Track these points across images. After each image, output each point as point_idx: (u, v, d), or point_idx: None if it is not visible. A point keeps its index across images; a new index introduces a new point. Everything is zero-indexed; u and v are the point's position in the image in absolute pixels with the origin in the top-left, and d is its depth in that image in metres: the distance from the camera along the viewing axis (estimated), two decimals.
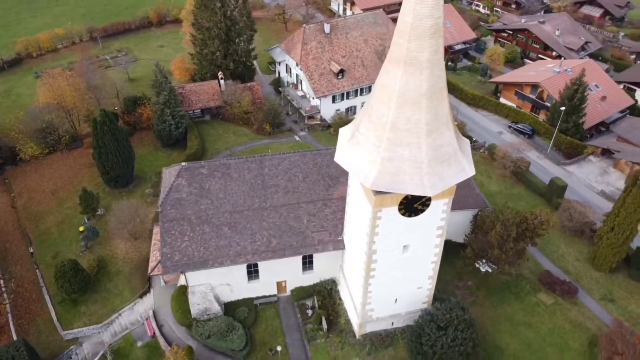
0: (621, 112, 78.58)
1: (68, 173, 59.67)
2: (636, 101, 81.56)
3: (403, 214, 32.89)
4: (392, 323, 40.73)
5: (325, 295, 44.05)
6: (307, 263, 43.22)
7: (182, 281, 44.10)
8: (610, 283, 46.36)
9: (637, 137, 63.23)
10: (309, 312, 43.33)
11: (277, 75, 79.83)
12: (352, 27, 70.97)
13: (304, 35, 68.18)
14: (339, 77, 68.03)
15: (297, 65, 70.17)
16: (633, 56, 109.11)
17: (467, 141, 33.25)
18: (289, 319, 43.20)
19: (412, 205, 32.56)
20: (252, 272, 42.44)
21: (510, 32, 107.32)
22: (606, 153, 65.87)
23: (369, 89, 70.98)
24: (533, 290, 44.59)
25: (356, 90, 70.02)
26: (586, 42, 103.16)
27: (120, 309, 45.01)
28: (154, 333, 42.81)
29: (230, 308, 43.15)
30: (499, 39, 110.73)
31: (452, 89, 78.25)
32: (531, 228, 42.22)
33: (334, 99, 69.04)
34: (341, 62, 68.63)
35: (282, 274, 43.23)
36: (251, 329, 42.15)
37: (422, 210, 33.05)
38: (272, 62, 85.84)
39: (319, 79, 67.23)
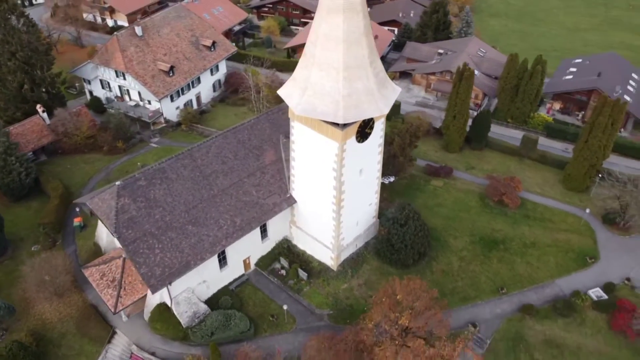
0: (388, 45, 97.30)
1: None
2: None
3: (359, 141, 39.15)
4: (356, 245, 47.15)
5: (287, 253, 47.67)
6: (263, 231, 46.07)
7: (151, 304, 42.17)
8: (464, 157, 61.09)
9: (420, 55, 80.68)
10: (283, 272, 46.51)
11: (88, 95, 74.30)
12: (161, 25, 70.84)
13: (119, 44, 65.67)
14: (171, 74, 68.06)
15: (118, 75, 67.45)
16: None
17: None
18: (268, 287, 45.69)
19: (364, 131, 39.04)
20: (221, 259, 43.45)
21: (271, 6, 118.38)
22: (402, 75, 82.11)
23: (199, 80, 72.70)
24: (426, 181, 56.15)
25: (188, 85, 70.94)
26: None
27: None
28: None
29: (211, 303, 43.35)
30: (262, 14, 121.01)
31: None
32: (412, 133, 52.95)
33: (172, 98, 68.83)
34: (165, 60, 68.54)
35: (246, 250, 45.18)
36: (241, 310, 43.41)
37: (370, 133, 39.83)
38: (70, 86, 79.16)
39: (153, 82, 66.15)
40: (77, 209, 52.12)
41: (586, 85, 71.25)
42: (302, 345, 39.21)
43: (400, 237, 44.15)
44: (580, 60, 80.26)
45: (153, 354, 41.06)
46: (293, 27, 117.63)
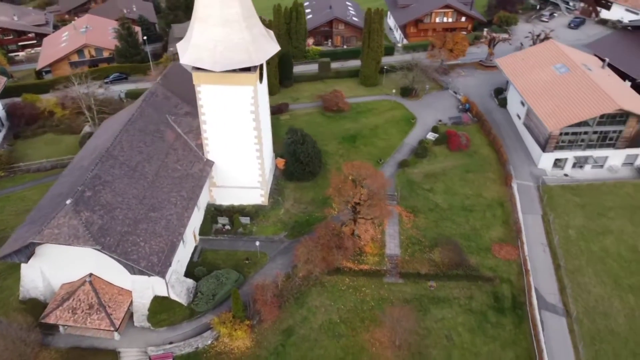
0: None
1: None
2: None
3: (261, 82, 46.37)
4: (270, 178, 54.47)
5: (218, 214, 51.81)
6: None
7: (142, 305, 42.07)
8: (285, 94, 72.28)
9: None
10: (227, 227, 50.79)
11: None
12: None
13: None
14: None
15: None
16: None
17: None
18: (222, 244, 49.59)
19: (261, 73, 46.38)
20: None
21: None
22: None
23: None
24: (276, 119, 65.52)
25: None
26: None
27: None
28: (172, 356, 41.23)
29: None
30: None
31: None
32: None
33: None
34: None
35: (192, 223, 47.76)
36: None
37: (262, 74, 47.33)
38: None
39: None
40: None
41: (328, 17, 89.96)
42: (292, 257, 46.17)
43: (305, 152, 53.58)
44: (308, 3, 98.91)
45: (171, 343, 41.79)
46: (13, 55, 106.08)
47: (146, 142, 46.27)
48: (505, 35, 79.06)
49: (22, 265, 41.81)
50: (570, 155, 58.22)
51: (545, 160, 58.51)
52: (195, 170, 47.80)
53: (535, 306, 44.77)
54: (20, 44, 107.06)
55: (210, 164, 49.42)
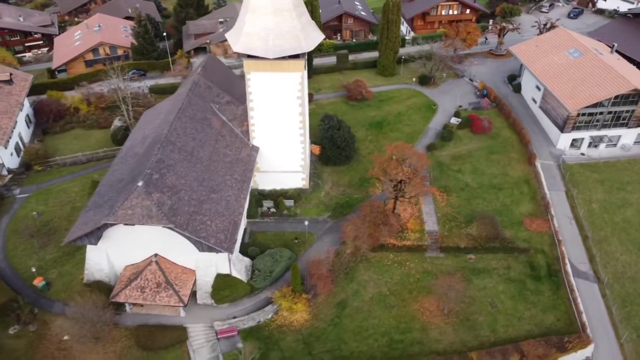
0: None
1: None
2: None
3: (305, 69, 48.55)
4: (308, 163, 56.71)
5: (263, 198, 53.89)
6: None
7: (205, 283, 43.87)
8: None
9: (205, 28, 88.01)
10: (273, 210, 52.89)
11: None
12: None
13: None
14: None
15: None
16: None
17: None
18: (269, 226, 51.77)
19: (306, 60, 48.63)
20: None
21: None
22: (196, 51, 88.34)
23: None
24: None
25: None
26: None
27: None
28: (237, 330, 43.22)
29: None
30: None
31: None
32: None
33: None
34: None
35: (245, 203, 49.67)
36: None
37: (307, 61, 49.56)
38: None
39: None
40: (34, 270, 45.81)
41: (337, 12, 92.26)
42: (339, 235, 48.63)
43: (341, 137, 55.98)
44: None
45: (234, 317, 43.78)
46: (19, 56, 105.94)
47: (197, 129, 48.13)
48: (511, 26, 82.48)
49: (88, 248, 43.38)
50: (586, 135, 61.66)
51: (564, 141, 61.86)
52: (243, 155, 49.83)
53: (570, 273, 47.88)
54: (26, 44, 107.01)
55: (256, 149, 51.45)
